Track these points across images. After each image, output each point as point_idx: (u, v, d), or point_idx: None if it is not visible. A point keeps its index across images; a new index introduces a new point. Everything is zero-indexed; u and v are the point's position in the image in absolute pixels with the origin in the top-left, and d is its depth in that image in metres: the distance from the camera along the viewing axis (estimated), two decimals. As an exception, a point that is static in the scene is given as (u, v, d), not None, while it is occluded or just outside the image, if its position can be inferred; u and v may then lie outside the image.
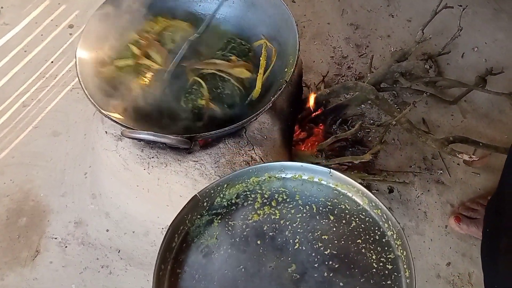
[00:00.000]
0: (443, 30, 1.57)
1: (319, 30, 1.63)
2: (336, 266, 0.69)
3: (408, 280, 0.67)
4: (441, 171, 1.34)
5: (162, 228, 1.13)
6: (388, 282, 0.68)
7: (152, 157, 0.95)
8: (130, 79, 0.97)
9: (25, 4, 1.67)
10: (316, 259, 0.71)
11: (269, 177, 0.81)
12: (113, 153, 0.99)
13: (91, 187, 1.27)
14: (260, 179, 0.80)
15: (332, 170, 0.78)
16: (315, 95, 1.31)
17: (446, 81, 1.41)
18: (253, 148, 0.97)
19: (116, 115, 0.87)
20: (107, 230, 1.22)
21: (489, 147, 1.26)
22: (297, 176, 0.80)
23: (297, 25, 0.94)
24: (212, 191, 0.78)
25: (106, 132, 0.99)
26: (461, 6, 1.33)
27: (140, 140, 0.86)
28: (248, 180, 0.80)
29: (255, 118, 0.87)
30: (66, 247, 1.21)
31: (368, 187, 1.32)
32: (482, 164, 1.33)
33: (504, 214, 0.95)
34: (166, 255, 0.72)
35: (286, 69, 0.94)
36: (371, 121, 1.43)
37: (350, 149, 1.36)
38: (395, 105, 1.45)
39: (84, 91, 0.85)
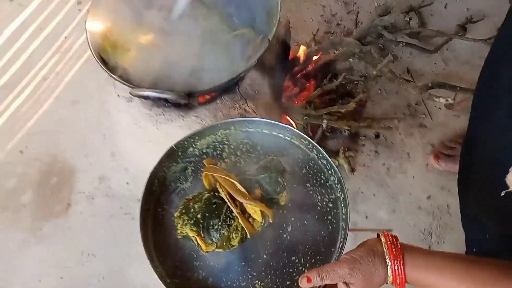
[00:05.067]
0: (427, -18, 1.64)
1: (310, -10, 1.72)
2: (289, 204, 0.82)
3: (344, 216, 0.81)
4: (424, 116, 1.46)
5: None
6: (329, 217, 0.82)
7: (159, 115, 1.10)
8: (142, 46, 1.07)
9: (35, -16, 1.80)
10: None
11: (235, 130, 0.90)
12: (125, 113, 1.14)
13: (110, 147, 1.44)
14: (227, 132, 0.90)
15: (288, 126, 0.87)
16: (305, 52, 1.43)
17: (427, 31, 1.51)
18: (246, 102, 1.11)
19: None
20: (127, 183, 1.40)
21: (467, 91, 1.38)
22: (259, 129, 0.90)
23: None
24: (185, 142, 0.88)
25: (118, 95, 1.14)
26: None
27: (146, 98, 1.00)
28: (217, 133, 0.90)
29: (243, 73, 0.99)
30: (93, 199, 1.40)
31: (356, 133, 1.46)
32: (462, 107, 1.44)
33: (474, 149, 1.07)
34: (148, 197, 0.84)
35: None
36: (359, 74, 1.54)
37: (340, 101, 1.49)
38: (382, 58, 1.55)
39: (95, 58, 0.99)
